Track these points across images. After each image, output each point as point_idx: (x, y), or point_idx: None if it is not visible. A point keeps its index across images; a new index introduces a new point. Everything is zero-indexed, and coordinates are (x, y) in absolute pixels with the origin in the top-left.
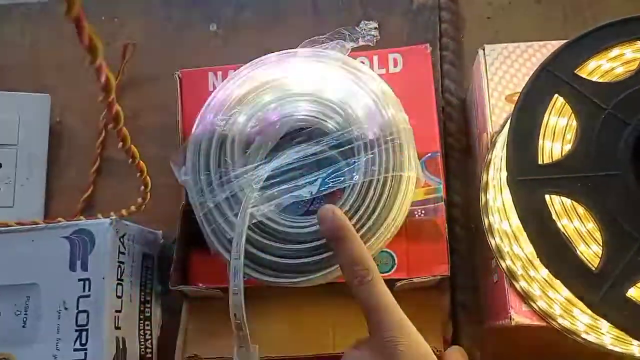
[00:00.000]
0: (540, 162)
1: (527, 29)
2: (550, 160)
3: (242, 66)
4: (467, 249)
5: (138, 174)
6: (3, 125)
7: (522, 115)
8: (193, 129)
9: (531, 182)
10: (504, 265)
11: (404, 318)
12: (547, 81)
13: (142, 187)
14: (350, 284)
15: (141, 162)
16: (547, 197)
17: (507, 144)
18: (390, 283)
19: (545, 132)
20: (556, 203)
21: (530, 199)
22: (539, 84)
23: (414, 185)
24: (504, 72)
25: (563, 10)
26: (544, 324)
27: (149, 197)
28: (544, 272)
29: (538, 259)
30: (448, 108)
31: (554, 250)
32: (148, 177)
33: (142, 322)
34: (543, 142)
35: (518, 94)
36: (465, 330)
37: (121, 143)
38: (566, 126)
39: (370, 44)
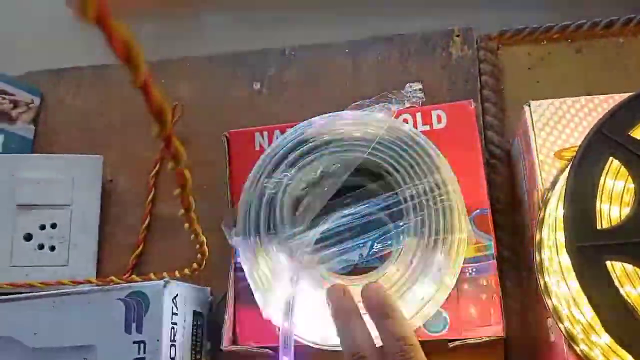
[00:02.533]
0: (598, 227)
1: (568, 79)
2: (609, 225)
3: (287, 126)
4: (520, 305)
5: (197, 246)
6: (58, 186)
7: (578, 179)
8: (242, 191)
9: (591, 248)
10: (562, 327)
11: None
12: (601, 144)
13: (199, 256)
14: (389, 358)
15: (202, 236)
16: (608, 263)
17: (564, 209)
18: (442, 343)
19: (602, 195)
20: (617, 269)
21: (590, 266)
22: (593, 147)
23: (465, 246)
24: (551, 128)
25: (604, 58)
26: None
27: (204, 264)
28: (607, 338)
29: (601, 326)
30: (492, 160)
31: (619, 318)
32: (206, 249)
33: None
34: (601, 206)
35: (567, 150)
36: None
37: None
38: (624, 188)
39: (415, 105)
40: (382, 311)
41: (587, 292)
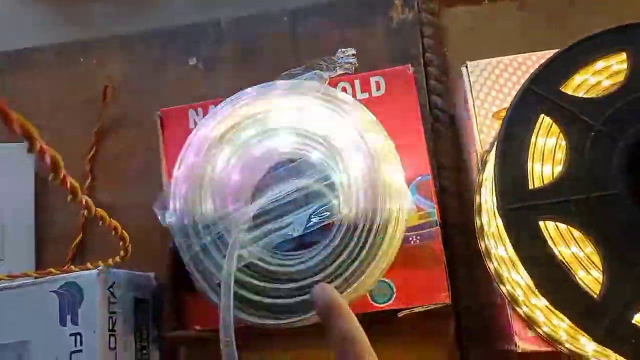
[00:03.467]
0: (530, 187)
1: (510, 37)
2: (542, 184)
3: (222, 101)
4: (469, 270)
5: (113, 232)
6: None
7: (508, 139)
8: (174, 171)
9: (522, 209)
10: (504, 290)
11: None
12: (531, 101)
13: (121, 243)
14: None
15: (111, 221)
16: (540, 223)
17: (494, 171)
18: (390, 313)
19: (533, 154)
20: (551, 229)
21: (523, 227)
22: (524, 105)
23: (406, 213)
24: (489, 89)
25: (545, 16)
26: (551, 349)
27: (130, 250)
28: (545, 300)
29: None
30: (437, 124)
31: (552, 279)
32: (125, 232)
33: None
34: (532, 166)
35: (505, 110)
36: (473, 354)
37: (71, 196)
38: (555, 146)
39: (348, 72)
40: (326, 313)
41: (520, 254)
